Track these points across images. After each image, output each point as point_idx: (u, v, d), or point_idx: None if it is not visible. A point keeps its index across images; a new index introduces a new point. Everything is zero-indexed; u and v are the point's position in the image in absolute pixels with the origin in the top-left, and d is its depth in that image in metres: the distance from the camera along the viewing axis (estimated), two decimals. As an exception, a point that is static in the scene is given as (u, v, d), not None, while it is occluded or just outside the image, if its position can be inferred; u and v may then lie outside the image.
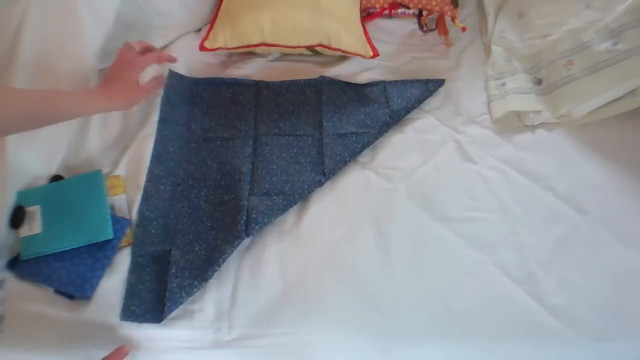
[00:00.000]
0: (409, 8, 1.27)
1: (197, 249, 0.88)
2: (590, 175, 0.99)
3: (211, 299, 0.84)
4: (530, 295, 0.85)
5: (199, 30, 1.26)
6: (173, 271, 0.84)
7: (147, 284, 0.85)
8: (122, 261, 0.87)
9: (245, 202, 0.92)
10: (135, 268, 0.86)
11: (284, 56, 1.23)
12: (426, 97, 1.11)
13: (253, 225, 0.88)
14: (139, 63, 0.92)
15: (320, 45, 1.15)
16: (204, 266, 0.85)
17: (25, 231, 0.86)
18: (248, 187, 0.95)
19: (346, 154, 1.00)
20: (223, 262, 0.85)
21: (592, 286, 0.85)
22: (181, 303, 0.82)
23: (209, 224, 0.91)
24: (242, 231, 0.87)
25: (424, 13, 1.27)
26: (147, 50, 0.96)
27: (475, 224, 0.93)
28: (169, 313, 0.81)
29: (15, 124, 0.75)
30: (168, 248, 0.89)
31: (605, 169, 1.00)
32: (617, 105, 1.02)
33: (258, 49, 1.18)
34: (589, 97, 1.02)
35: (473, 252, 0.90)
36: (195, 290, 0.83)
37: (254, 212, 0.90)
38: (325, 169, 0.98)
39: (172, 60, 1.03)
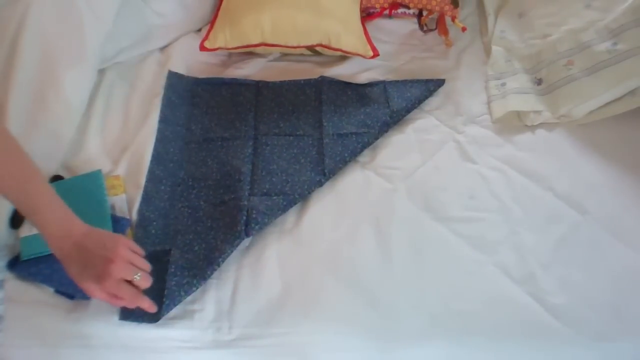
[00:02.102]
0: (409, 8, 1.28)
1: (196, 248, 0.88)
2: (590, 175, 0.99)
3: (211, 299, 0.84)
4: (530, 295, 0.85)
5: (199, 30, 1.26)
6: (172, 270, 0.84)
7: None
8: (122, 261, 0.87)
9: (245, 202, 0.91)
10: None
11: (284, 56, 1.23)
12: (426, 97, 1.11)
13: (253, 225, 0.88)
14: (120, 271, 0.71)
15: (320, 45, 1.15)
16: (203, 265, 0.85)
17: (25, 231, 0.86)
18: (248, 187, 0.95)
19: (346, 154, 1.00)
20: (222, 261, 0.85)
21: (592, 286, 0.85)
22: (179, 302, 0.82)
23: (209, 224, 0.91)
24: (242, 231, 0.87)
25: (424, 13, 1.27)
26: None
27: (475, 224, 0.93)
28: (167, 311, 0.81)
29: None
30: (168, 248, 0.89)
31: (605, 169, 1.00)
32: (617, 105, 1.02)
33: (258, 49, 1.18)
34: (589, 97, 1.02)
35: (473, 252, 0.90)
36: (194, 289, 0.83)
37: (254, 212, 0.90)
38: (325, 169, 0.98)
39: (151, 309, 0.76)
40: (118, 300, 0.72)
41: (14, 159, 0.71)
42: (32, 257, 0.84)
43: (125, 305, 0.73)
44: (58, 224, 0.72)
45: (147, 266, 0.75)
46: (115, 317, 0.80)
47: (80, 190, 0.91)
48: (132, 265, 0.73)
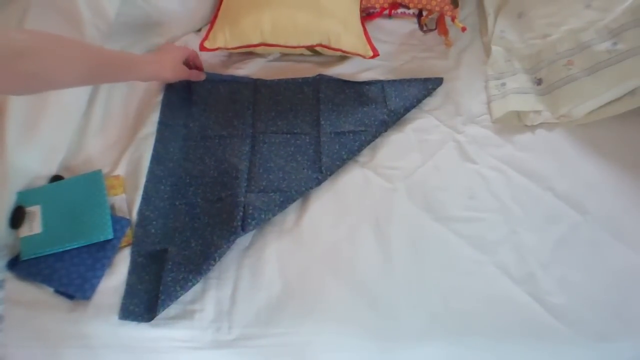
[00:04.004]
0: (409, 8, 1.28)
1: (193, 245, 0.88)
2: (590, 175, 0.99)
3: (211, 299, 0.84)
4: (530, 295, 0.85)
5: (199, 30, 1.26)
6: (169, 266, 0.84)
7: (146, 284, 0.85)
8: (122, 261, 0.87)
9: (242, 199, 0.92)
10: (134, 268, 0.86)
11: (284, 56, 1.22)
12: (424, 97, 1.11)
13: (249, 221, 0.88)
14: (190, 50, 1.07)
15: (320, 45, 1.15)
16: (199, 261, 0.85)
17: (25, 231, 0.86)
18: (245, 184, 0.95)
19: (343, 153, 1.00)
20: (219, 257, 0.85)
21: (592, 286, 0.85)
22: (176, 298, 0.82)
23: (206, 221, 0.91)
24: (239, 227, 0.87)
25: (424, 13, 1.27)
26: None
27: (475, 224, 0.93)
28: (164, 307, 0.80)
29: (79, 77, 0.79)
30: (167, 247, 0.89)
31: (605, 169, 1.00)
32: (617, 105, 1.02)
33: (258, 49, 1.18)
34: (589, 97, 1.02)
35: (473, 252, 0.90)
36: (190, 284, 0.83)
37: (251, 208, 0.90)
38: (322, 167, 0.98)
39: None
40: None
41: (73, 51, 0.78)
42: (32, 257, 0.84)
43: None
44: (149, 65, 0.95)
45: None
46: (115, 317, 0.80)
47: (80, 190, 0.91)
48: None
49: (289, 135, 1.05)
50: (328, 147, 1.01)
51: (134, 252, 0.88)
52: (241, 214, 0.89)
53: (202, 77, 1.11)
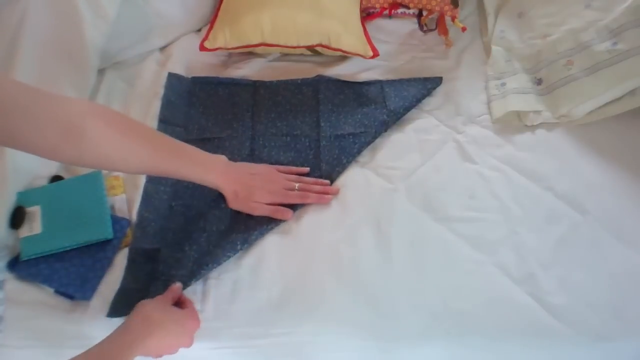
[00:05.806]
0: (409, 8, 1.28)
1: (187, 249, 0.87)
2: (590, 175, 0.99)
3: (211, 298, 0.84)
4: (530, 295, 0.84)
5: (199, 30, 1.26)
6: (160, 268, 0.84)
7: (139, 284, 0.84)
8: (122, 261, 0.87)
9: None
10: (130, 267, 0.86)
11: (284, 56, 1.22)
12: (424, 96, 1.11)
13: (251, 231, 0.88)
14: (284, 184, 0.94)
15: (320, 45, 1.15)
16: (193, 267, 0.84)
17: (25, 231, 0.86)
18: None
19: (343, 157, 1.00)
20: (212, 266, 0.84)
21: (592, 286, 0.85)
22: None
23: (201, 225, 0.91)
24: (237, 242, 0.87)
25: (424, 13, 1.27)
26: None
27: (475, 224, 0.93)
28: None
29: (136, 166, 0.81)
30: (159, 247, 0.88)
31: (605, 169, 1.00)
32: (617, 105, 1.02)
33: (258, 49, 1.18)
34: (589, 97, 1.02)
35: (473, 252, 0.90)
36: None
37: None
38: (322, 175, 0.98)
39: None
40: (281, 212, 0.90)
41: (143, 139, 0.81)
42: (32, 257, 0.84)
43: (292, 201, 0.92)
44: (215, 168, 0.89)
45: (304, 169, 0.98)
46: (115, 317, 0.80)
47: (80, 191, 0.91)
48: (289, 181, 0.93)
49: (288, 137, 1.05)
50: (328, 151, 1.01)
51: (131, 252, 0.88)
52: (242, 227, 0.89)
53: (288, 216, 0.91)
